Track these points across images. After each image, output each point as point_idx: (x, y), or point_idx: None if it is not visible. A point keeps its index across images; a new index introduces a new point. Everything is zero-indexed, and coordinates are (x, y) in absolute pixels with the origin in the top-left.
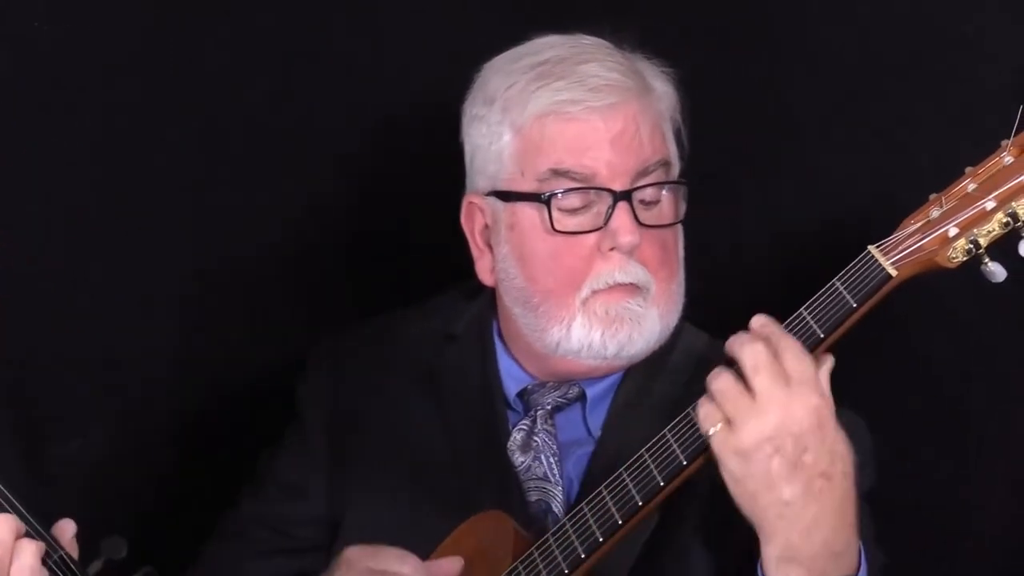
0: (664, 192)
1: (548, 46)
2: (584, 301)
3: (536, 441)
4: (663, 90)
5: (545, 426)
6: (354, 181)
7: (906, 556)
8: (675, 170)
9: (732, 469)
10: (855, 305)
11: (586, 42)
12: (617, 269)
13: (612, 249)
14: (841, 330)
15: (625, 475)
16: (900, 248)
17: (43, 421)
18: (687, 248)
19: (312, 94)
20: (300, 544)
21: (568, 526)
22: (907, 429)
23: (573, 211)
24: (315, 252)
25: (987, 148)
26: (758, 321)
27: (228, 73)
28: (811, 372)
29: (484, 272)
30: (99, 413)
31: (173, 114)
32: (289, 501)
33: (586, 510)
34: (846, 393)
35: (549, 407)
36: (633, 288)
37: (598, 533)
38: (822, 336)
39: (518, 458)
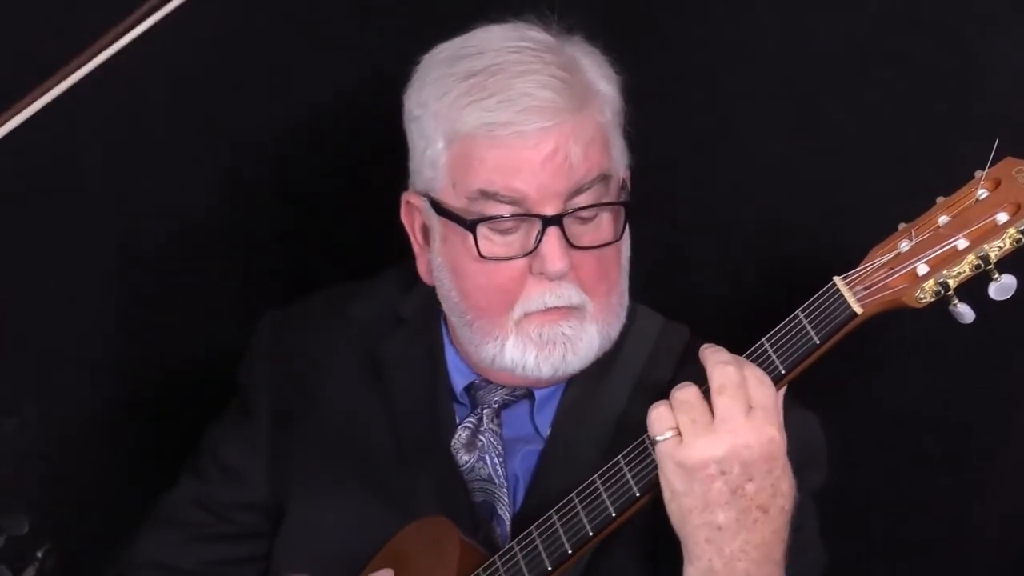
0: (603, 210)
1: (488, 46)
2: (517, 322)
3: (481, 440)
4: (606, 93)
5: (491, 425)
6: (292, 159)
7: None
8: (615, 182)
9: (672, 481)
10: (818, 342)
11: (527, 43)
12: (549, 292)
13: (543, 273)
14: (802, 367)
15: (576, 501)
16: (867, 283)
17: None
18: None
19: (248, 73)
20: (239, 529)
21: (516, 550)
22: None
23: (503, 231)
24: (252, 230)
25: (958, 170)
26: (726, 357)
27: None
28: (772, 403)
29: (423, 271)
30: (34, 393)
31: (113, 90)
32: (229, 485)
33: (536, 536)
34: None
35: (496, 405)
36: (567, 310)
37: (547, 562)
38: (783, 372)
39: (463, 456)
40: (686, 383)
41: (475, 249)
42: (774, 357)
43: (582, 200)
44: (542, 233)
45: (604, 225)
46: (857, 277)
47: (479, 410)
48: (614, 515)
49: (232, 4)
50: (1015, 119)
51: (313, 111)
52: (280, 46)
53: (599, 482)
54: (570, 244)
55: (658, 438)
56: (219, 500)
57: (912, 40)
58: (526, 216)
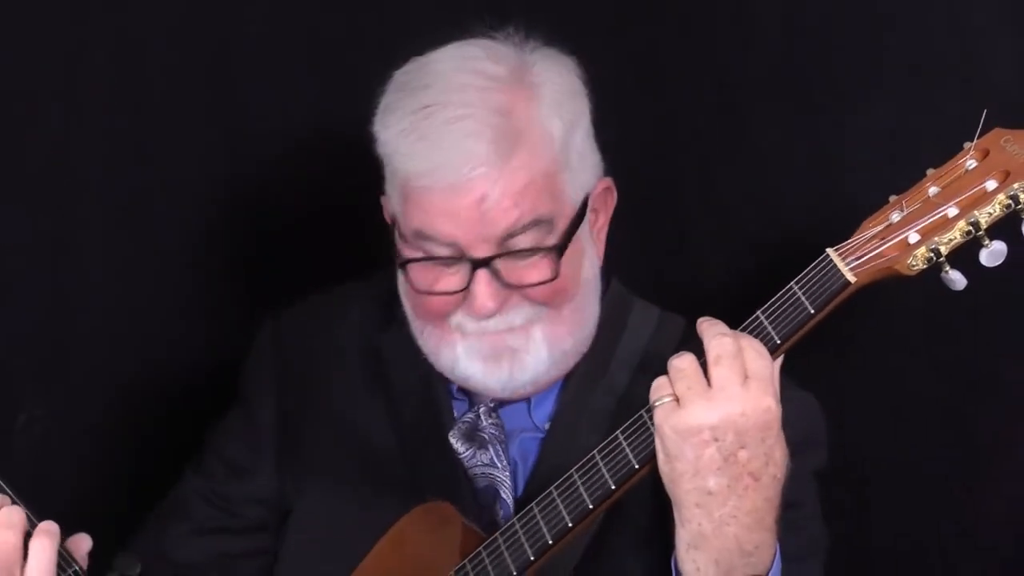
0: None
1: (435, 79)
2: (459, 327)
3: (482, 435)
4: (553, 134)
5: (490, 420)
6: (292, 159)
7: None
8: (563, 219)
9: (667, 445)
10: (813, 312)
11: (475, 79)
12: (486, 320)
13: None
14: (798, 336)
15: (576, 476)
16: (859, 253)
17: None
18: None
19: (250, 74)
20: (245, 523)
21: (517, 526)
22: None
23: (442, 264)
24: (253, 231)
25: (948, 143)
26: (723, 328)
27: (163, 49)
28: (769, 373)
29: None
30: (42, 390)
31: (116, 86)
32: (234, 480)
33: (536, 511)
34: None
35: (492, 404)
36: (508, 330)
37: (548, 536)
38: (779, 342)
39: (461, 446)
40: (683, 352)
41: (409, 284)
42: (769, 328)
43: (516, 243)
44: (472, 274)
45: (542, 265)
46: (849, 248)
47: (476, 407)
48: (613, 487)
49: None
50: (1002, 90)
51: (315, 110)
52: (284, 44)
53: (598, 457)
54: (504, 283)
55: (655, 403)
56: (225, 494)
57: (900, 16)
58: (458, 259)
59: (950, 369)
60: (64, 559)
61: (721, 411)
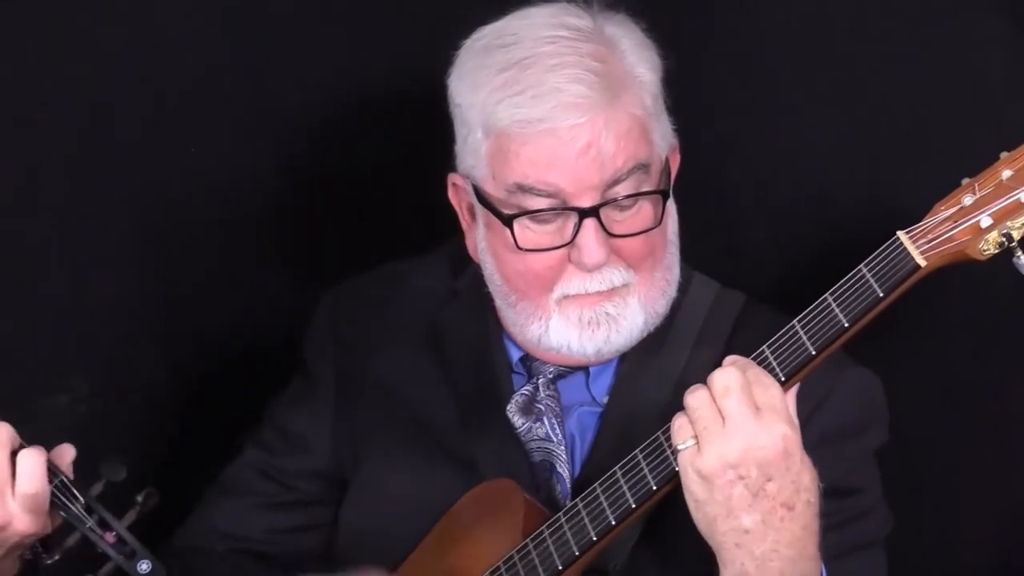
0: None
1: (524, 35)
2: (558, 302)
3: (539, 407)
4: (644, 80)
5: (548, 392)
6: (342, 134)
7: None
8: (656, 167)
9: (694, 491)
10: (881, 295)
11: (563, 32)
12: (589, 279)
13: (580, 264)
14: (865, 320)
15: (640, 457)
16: (930, 236)
17: (28, 375)
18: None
19: (294, 53)
20: (304, 497)
21: (580, 507)
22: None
23: (542, 222)
24: (304, 208)
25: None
26: (729, 359)
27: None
28: (779, 401)
29: (472, 249)
30: (85, 368)
31: (157, 61)
32: (293, 454)
33: (599, 492)
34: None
35: (551, 375)
36: (610, 291)
37: (611, 518)
38: (847, 326)
39: (518, 420)
40: (696, 387)
41: (513, 241)
42: (837, 311)
43: (620, 190)
44: (579, 225)
45: (644, 211)
46: (920, 231)
47: (535, 380)
48: (677, 468)
49: None
50: None
51: (363, 87)
52: (328, 21)
53: (663, 437)
54: (608, 233)
55: (680, 447)
56: (283, 469)
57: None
58: (563, 209)
59: (998, 353)
60: (49, 470)
61: (738, 447)
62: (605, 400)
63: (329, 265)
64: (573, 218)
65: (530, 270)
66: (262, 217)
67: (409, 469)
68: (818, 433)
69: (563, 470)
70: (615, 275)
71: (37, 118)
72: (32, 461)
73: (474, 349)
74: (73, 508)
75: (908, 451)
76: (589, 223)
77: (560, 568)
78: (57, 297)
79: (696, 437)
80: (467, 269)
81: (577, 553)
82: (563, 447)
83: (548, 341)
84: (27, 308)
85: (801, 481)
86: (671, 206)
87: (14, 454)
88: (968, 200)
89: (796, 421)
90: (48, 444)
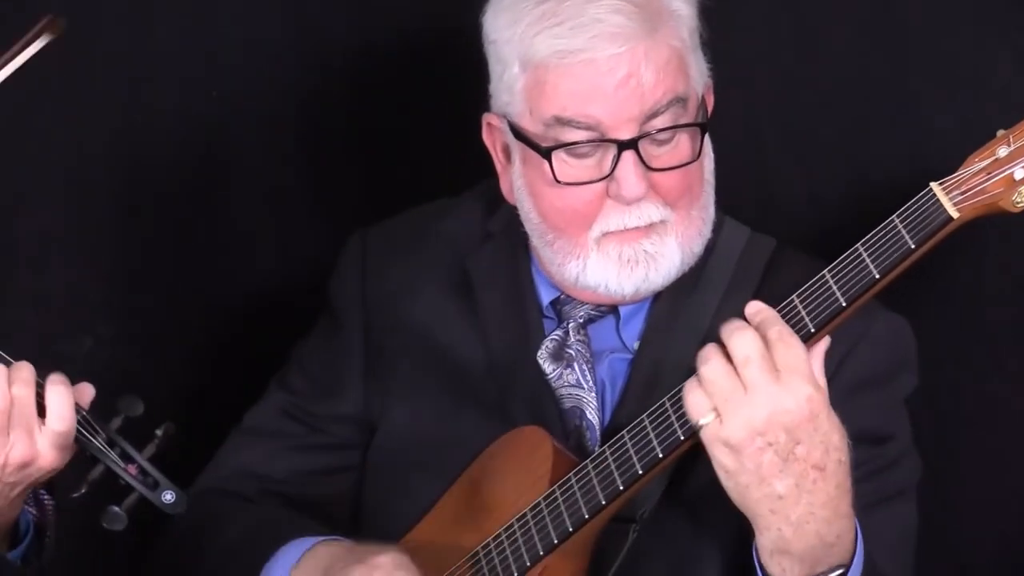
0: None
1: None
2: (597, 240)
3: (569, 352)
4: (682, 14)
5: (578, 337)
6: (372, 73)
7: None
8: (693, 102)
9: (723, 462)
10: (913, 246)
11: None
12: (628, 214)
13: (619, 197)
14: (896, 272)
15: (668, 405)
16: (963, 188)
17: (50, 320)
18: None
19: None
20: (331, 440)
21: (608, 455)
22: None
23: (580, 155)
24: (334, 149)
25: None
26: (752, 308)
27: None
28: (802, 361)
29: (506, 190)
30: (109, 312)
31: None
32: (320, 397)
33: (627, 440)
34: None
35: (581, 319)
36: (648, 228)
37: (638, 466)
38: (878, 277)
39: (549, 366)
40: (708, 351)
41: (551, 175)
42: (868, 262)
43: (658, 123)
44: (618, 158)
45: (682, 145)
46: (954, 182)
47: (565, 324)
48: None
49: None
50: None
51: (395, 29)
52: None
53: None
54: (647, 166)
55: (701, 422)
56: (311, 411)
57: None
58: (601, 141)
59: None
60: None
61: (764, 414)
62: (636, 346)
63: (358, 208)
64: (612, 151)
65: (569, 206)
66: (291, 158)
67: (437, 414)
68: (849, 380)
69: (593, 417)
70: (653, 211)
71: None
72: (61, 398)
73: (505, 292)
74: (95, 442)
75: (937, 400)
76: (628, 155)
77: (586, 516)
78: (80, 240)
79: (716, 409)
80: (499, 211)
81: (604, 502)
82: (593, 394)
83: (586, 280)
84: (51, 252)
85: (830, 441)
86: (708, 144)
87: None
88: (1003, 152)
89: (821, 380)
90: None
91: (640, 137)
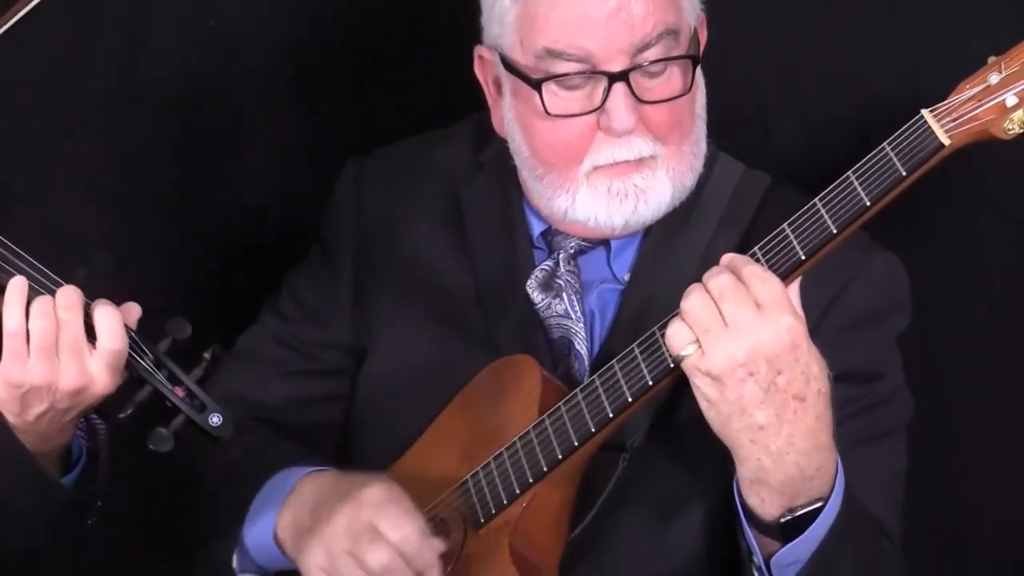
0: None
1: None
2: (587, 175)
3: (559, 282)
4: None
5: (568, 267)
6: (366, 8)
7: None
8: (685, 34)
9: (705, 392)
10: (904, 173)
11: None
12: (618, 147)
13: (610, 129)
14: (887, 199)
15: (659, 334)
16: (954, 115)
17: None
18: None
19: None
20: (323, 367)
21: (597, 383)
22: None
23: (570, 87)
24: (326, 78)
25: None
26: (726, 258)
27: None
28: (780, 293)
29: (497, 123)
30: (103, 242)
31: None
32: (312, 325)
33: (616, 368)
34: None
35: (572, 250)
36: (638, 162)
37: (628, 394)
38: (868, 204)
39: (538, 296)
40: (691, 289)
41: (542, 107)
42: (859, 189)
43: (649, 55)
44: (608, 90)
45: (674, 78)
46: (945, 109)
47: (555, 255)
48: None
49: None
50: None
51: None
52: None
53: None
54: (638, 99)
55: (682, 353)
56: (302, 338)
57: None
58: (592, 73)
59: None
60: None
61: (745, 344)
62: (626, 277)
63: (352, 139)
64: (603, 83)
65: (559, 139)
66: (286, 90)
67: (426, 343)
68: (841, 317)
69: (581, 348)
70: (643, 145)
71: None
72: (111, 317)
73: (496, 223)
74: (143, 363)
75: (930, 339)
76: (619, 87)
77: (576, 444)
78: (77, 174)
79: (697, 341)
80: (491, 142)
81: (593, 429)
82: (582, 324)
83: (575, 214)
84: (51, 184)
85: (811, 371)
86: (700, 77)
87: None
88: (994, 79)
89: (800, 312)
90: None
91: (631, 69)
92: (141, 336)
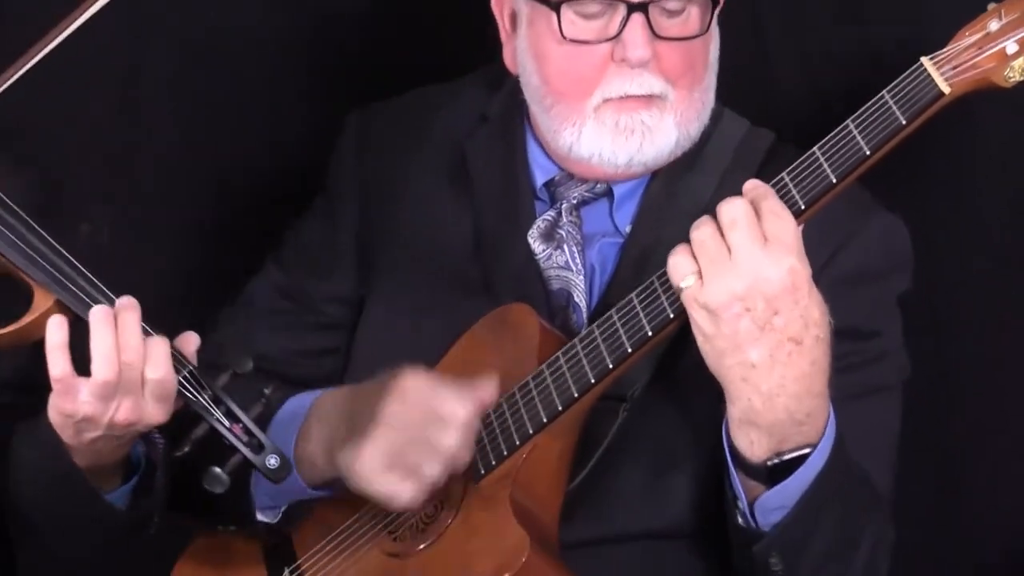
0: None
1: None
2: (596, 108)
3: (560, 233)
4: None
5: (570, 218)
6: None
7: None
8: None
9: (700, 325)
10: (904, 122)
11: None
12: (629, 80)
13: (624, 60)
14: (886, 148)
15: (657, 283)
16: (954, 63)
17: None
18: None
19: None
20: (323, 320)
21: (597, 333)
22: None
23: (588, 16)
24: (334, 32)
25: None
26: (749, 184)
27: None
28: (790, 234)
29: (509, 59)
30: (106, 197)
31: None
32: (315, 277)
33: (615, 319)
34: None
35: (575, 201)
36: (647, 99)
37: (627, 345)
38: (868, 153)
39: (539, 246)
40: (703, 219)
41: (558, 30)
42: (858, 138)
43: None
44: (626, 19)
45: (692, 18)
46: (944, 57)
47: (558, 205)
48: None
49: None
50: None
51: None
52: None
53: None
54: (654, 34)
55: (682, 284)
56: (304, 290)
57: None
58: (612, 1)
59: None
60: (178, 361)
61: (745, 279)
62: (627, 230)
63: (358, 90)
64: (621, 12)
65: (573, 67)
66: (291, 41)
67: (425, 292)
68: (839, 274)
69: (580, 300)
70: (655, 83)
71: None
72: (158, 346)
73: (499, 174)
74: (201, 399)
75: (934, 297)
76: (637, 18)
77: (575, 395)
78: (76, 126)
79: (699, 272)
80: (498, 95)
81: (592, 380)
82: (581, 276)
83: (579, 149)
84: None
85: (810, 316)
86: (715, 25)
87: None
88: (994, 26)
89: (805, 256)
90: None
91: (651, 1)
92: (201, 370)
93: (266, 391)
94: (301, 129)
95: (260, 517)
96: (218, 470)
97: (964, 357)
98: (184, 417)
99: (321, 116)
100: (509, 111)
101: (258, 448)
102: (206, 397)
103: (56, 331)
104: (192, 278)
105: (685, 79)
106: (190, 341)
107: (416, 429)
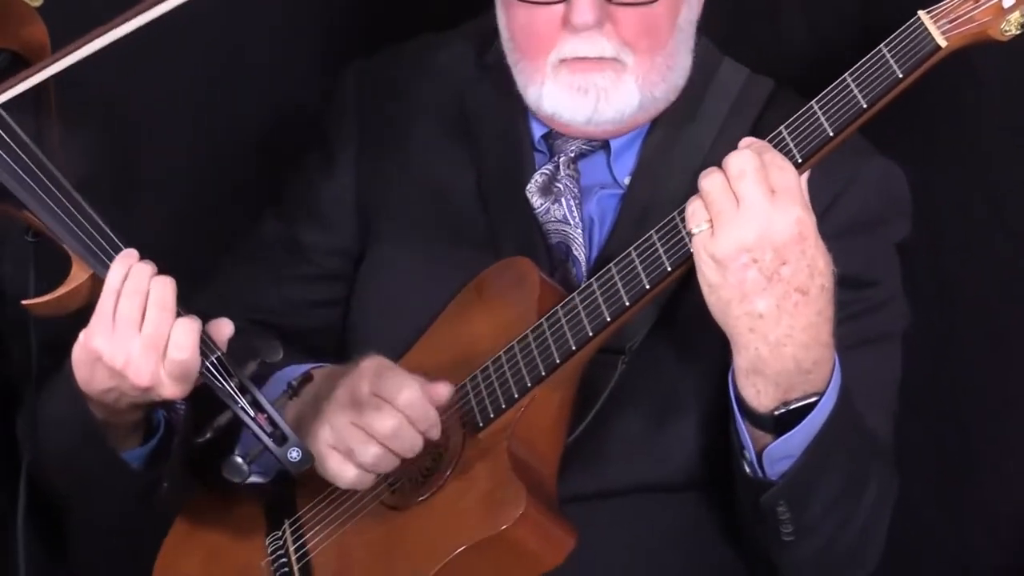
0: None
1: None
2: (554, 67)
3: (558, 186)
4: None
5: (568, 171)
6: None
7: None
8: None
9: (708, 275)
10: (900, 76)
11: None
12: (581, 43)
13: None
14: (883, 102)
15: (655, 237)
16: (951, 16)
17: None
18: None
19: None
20: (323, 271)
21: (595, 286)
22: None
23: None
24: None
25: None
26: (746, 140)
27: None
28: (794, 184)
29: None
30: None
31: None
32: (315, 229)
33: (614, 272)
34: None
35: (573, 154)
36: (599, 61)
37: (625, 298)
38: (865, 106)
39: (537, 200)
40: (711, 169)
41: None
42: (856, 91)
43: None
44: None
45: None
46: (942, 11)
47: (556, 158)
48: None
49: None
50: None
51: None
52: None
53: (678, 218)
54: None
55: (694, 230)
56: (304, 242)
57: None
58: None
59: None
60: (207, 345)
61: (753, 230)
62: (627, 181)
63: (354, 42)
64: None
65: (528, 26)
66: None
67: (425, 245)
68: (837, 221)
69: (579, 253)
70: (606, 45)
71: None
72: (184, 327)
73: (498, 125)
74: (227, 386)
75: (938, 247)
76: None
77: (574, 348)
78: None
79: (710, 221)
80: (496, 44)
81: (591, 333)
82: (580, 230)
83: (543, 106)
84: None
85: (816, 266)
86: None
87: None
88: None
89: (810, 207)
90: None
91: None
92: (229, 358)
93: (292, 382)
94: (302, 78)
95: (253, 479)
96: (239, 459)
97: (968, 311)
98: (208, 403)
99: (321, 66)
100: (505, 62)
101: (281, 440)
102: (232, 385)
103: (126, 257)
104: (188, 228)
105: (643, 43)
106: (223, 328)
107: (356, 409)
